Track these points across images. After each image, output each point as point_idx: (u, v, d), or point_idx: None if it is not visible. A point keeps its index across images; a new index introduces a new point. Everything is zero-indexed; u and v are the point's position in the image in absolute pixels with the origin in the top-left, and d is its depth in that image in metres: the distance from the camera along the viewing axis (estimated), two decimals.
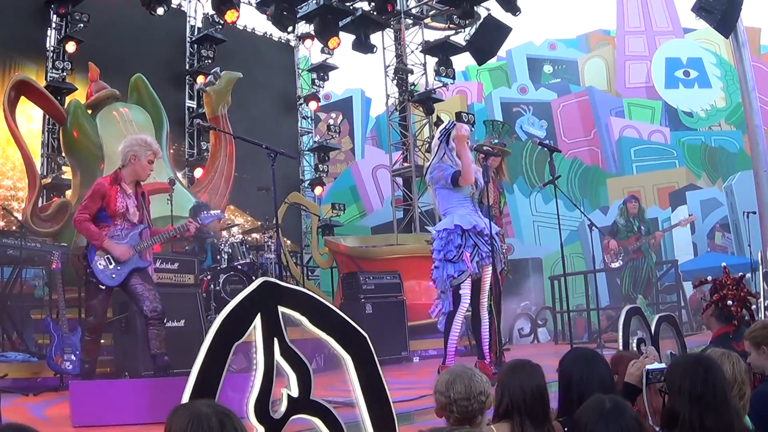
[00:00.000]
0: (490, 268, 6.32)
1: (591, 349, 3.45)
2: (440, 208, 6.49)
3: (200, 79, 13.75)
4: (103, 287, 5.62)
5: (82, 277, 5.82)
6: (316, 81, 16.85)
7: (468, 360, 7.47)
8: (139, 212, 5.78)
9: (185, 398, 1.97)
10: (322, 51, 16.38)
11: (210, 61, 14.23)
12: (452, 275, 6.16)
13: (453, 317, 6.22)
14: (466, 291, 6.19)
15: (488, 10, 14.20)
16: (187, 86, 14.71)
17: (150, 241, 5.82)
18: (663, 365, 3.08)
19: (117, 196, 5.62)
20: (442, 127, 6.54)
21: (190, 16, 15.05)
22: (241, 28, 15.55)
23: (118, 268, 5.61)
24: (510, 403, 2.85)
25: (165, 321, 5.96)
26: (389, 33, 15.81)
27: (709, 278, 5.00)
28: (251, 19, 18.00)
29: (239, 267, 8.76)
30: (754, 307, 5.00)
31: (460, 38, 14.88)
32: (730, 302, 4.70)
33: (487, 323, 6.38)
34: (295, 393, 2.17)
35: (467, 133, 6.41)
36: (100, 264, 5.60)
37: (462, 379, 3.00)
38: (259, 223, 11.78)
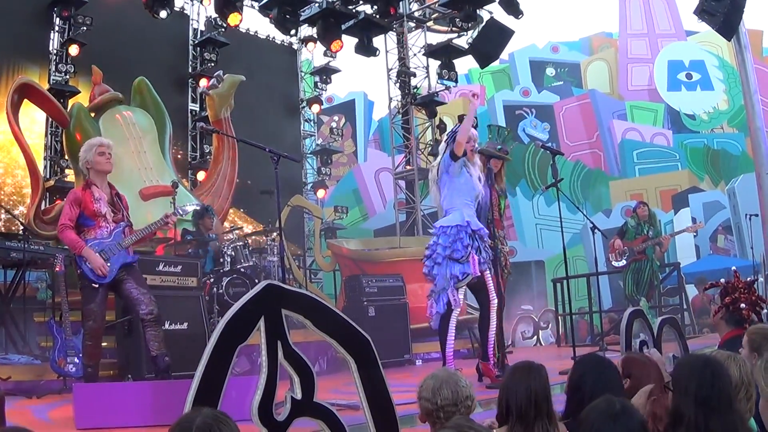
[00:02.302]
0: (491, 269, 6.33)
1: (606, 357, 3.45)
2: (444, 204, 6.37)
3: (203, 82, 13.78)
4: (97, 285, 5.66)
5: (78, 282, 5.87)
6: (318, 84, 16.89)
7: (469, 363, 7.47)
8: (115, 212, 5.88)
9: (189, 400, 1.98)
10: (325, 54, 16.42)
11: (213, 64, 14.27)
12: (457, 276, 6.07)
13: (448, 319, 6.12)
14: (461, 294, 6.18)
15: (491, 13, 14.21)
16: (189, 89, 14.74)
17: (134, 236, 5.91)
18: None
19: (91, 200, 5.74)
20: (449, 129, 6.59)
21: (193, 19, 15.09)
22: (243, 31, 15.57)
23: (108, 264, 5.67)
24: (507, 406, 2.84)
25: (163, 323, 6.03)
26: (392, 36, 15.82)
27: (722, 281, 5.00)
28: (254, 22, 18.04)
29: (242, 270, 8.75)
30: (765, 311, 5.01)
31: (463, 41, 14.89)
32: (743, 305, 4.69)
33: (495, 325, 6.36)
34: (298, 395, 2.18)
35: (474, 136, 6.44)
36: (89, 264, 5.65)
37: (448, 384, 2.98)
38: (262, 226, 11.79)
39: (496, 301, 6.36)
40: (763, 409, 2.43)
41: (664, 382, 3.41)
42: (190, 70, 14.77)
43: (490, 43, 13.77)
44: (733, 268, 5.34)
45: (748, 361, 3.62)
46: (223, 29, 14.49)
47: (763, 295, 7.82)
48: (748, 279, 4.98)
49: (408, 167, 15.84)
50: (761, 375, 2.46)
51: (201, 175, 13.51)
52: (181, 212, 6.42)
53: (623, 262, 10.39)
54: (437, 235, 6.26)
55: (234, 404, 1.97)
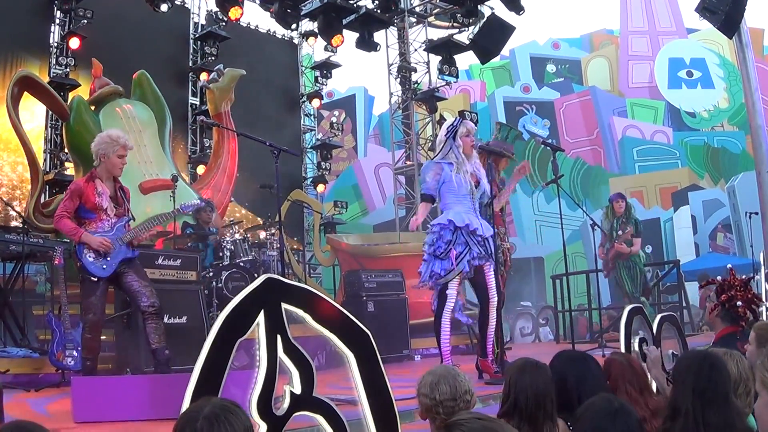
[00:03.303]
0: (492, 266, 6.28)
1: (581, 351, 3.46)
2: (440, 204, 6.46)
3: (203, 76, 13.76)
4: (96, 279, 5.63)
5: (77, 276, 5.84)
6: (319, 78, 16.87)
7: (467, 358, 7.47)
8: (118, 206, 5.83)
9: (188, 395, 1.98)
10: (326, 49, 16.41)
11: (213, 58, 14.25)
12: (438, 273, 6.10)
13: (440, 317, 6.14)
14: (452, 291, 6.13)
15: (492, 9, 14.20)
16: (190, 83, 14.73)
17: (135, 230, 5.87)
18: None
19: (93, 193, 5.68)
20: (448, 123, 6.52)
21: (193, 13, 15.08)
22: (244, 25, 15.56)
23: (108, 258, 5.64)
24: (514, 403, 2.84)
25: (163, 316, 6.01)
26: (393, 31, 15.81)
27: (719, 278, 5.00)
28: (255, 16, 18.06)
29: (241, 264, 8.74)
30: (761, 309, 5.01)
31: (464, 37, 14.88)
32: (739, 303, 4.70)
33: (494, 322, 6.35)
34: (297, 390, 2.17)
35: (473, 130, 6.43)
36: (89, 257, 5.62)
37: (446, 379, 2.97)
38: (262, 220, 11.78)
39: (495, 298, 6.35)
40: (761, 411, 2.41)
41: (642, 385, 3.42)
42: (190, 64, 14.76)
43: (491, 39, 13.76)
44: (729, 265, 5.35)
45: (757, 354, 3.62)
46: (223, 23, 14.49)
47: (763, 292, 7.82)
48: (743, 277, 4.98)
49: (408, 162, 15.85)
50: (764, 368, 2.44)
51: (201, 169, 13.50)
52: (185, 209, 6.39)
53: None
54: (428, 234, 6.34)
55: (233, 399, 1.96)
